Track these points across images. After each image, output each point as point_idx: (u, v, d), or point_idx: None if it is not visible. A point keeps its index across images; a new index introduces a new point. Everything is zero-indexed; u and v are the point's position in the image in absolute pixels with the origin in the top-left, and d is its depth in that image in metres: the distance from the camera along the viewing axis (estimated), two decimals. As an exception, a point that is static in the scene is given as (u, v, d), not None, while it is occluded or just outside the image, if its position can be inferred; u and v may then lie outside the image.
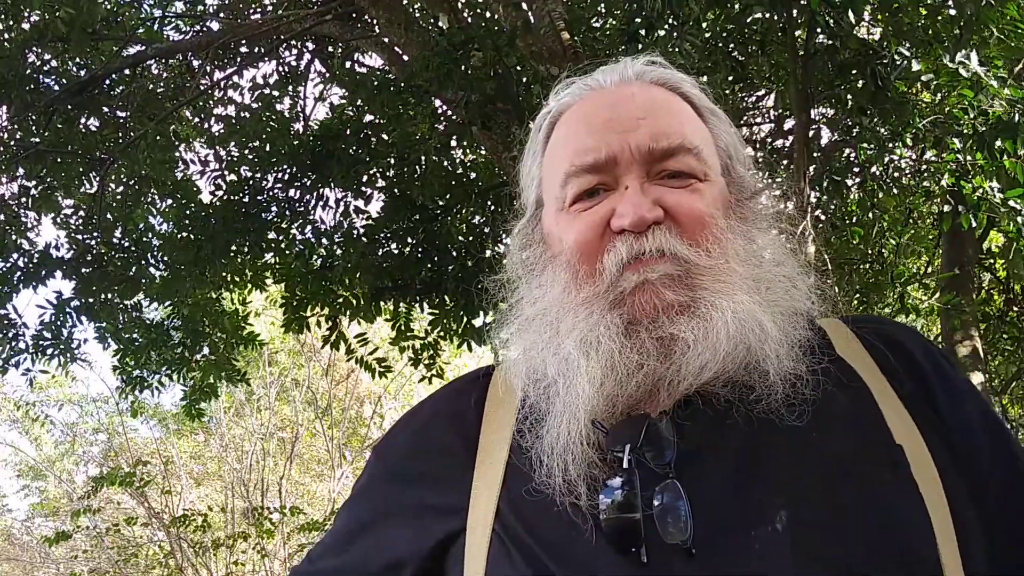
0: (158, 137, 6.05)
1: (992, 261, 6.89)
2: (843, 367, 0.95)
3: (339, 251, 6.11)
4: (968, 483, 0.89)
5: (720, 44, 4.54)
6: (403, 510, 1.00)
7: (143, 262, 6.32)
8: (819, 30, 4.03)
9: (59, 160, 6.04)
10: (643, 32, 4.05)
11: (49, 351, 6.10)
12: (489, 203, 6.19)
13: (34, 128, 6.01)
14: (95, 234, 6.29)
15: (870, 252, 5.61)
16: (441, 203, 6.03)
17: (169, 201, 6.54)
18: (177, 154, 6.57)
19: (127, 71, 6.31)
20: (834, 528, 0.82)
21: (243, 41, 6.38)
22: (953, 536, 0.84)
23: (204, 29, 6.91)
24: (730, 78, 4.58)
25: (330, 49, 6.94)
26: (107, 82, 6.23)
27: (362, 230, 6.13)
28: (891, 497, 0.85)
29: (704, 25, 4.44)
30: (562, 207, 0.99)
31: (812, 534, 0.82)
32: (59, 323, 6.08)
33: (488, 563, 0.90)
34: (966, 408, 0.95)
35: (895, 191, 5.21)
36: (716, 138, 1.03)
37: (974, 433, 0.93)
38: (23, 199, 6.28)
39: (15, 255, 6.07)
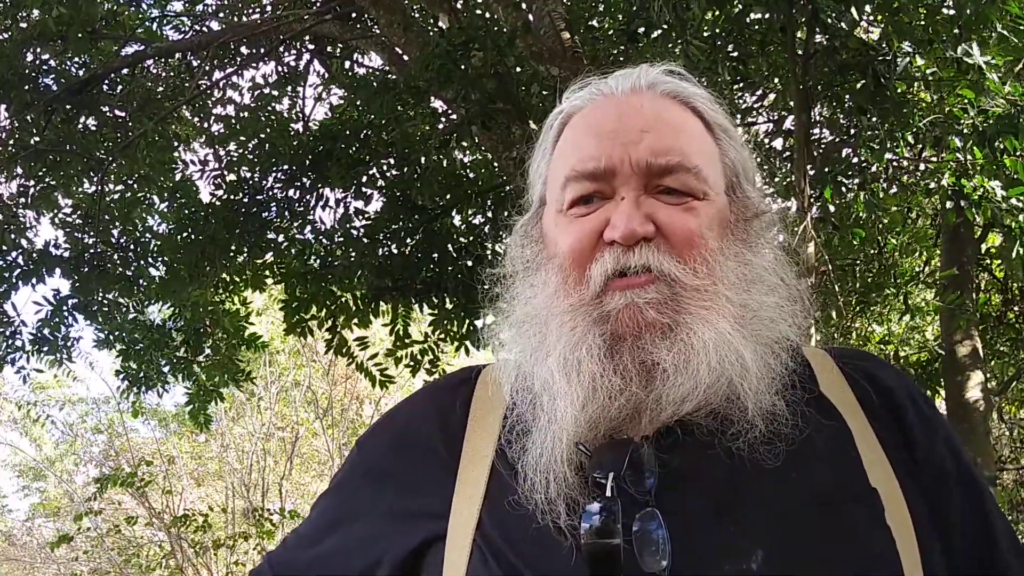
0: (157, 137, 6.05)
1: (990, 261, 6.89)
2: (824, 405, 0.96)
3: (339, 251, 6.11)
4: (939, 533, 0.91)
5: (720, 44, 4.54)
6: (380, 510, 1.00)
7: (142, 262, 6.33)
8: (819, 30, 4.03)
9: (58, 159, 6.04)
10: (643, 32, 4.06)
11: (45, 349, 6.10)
12: (489, 203, 6.19)
13: (33, 128, 6.01)
14: (93, 233, 6.29)
15: (871, 252, 5.61)
16: (441, 203, 6.03)
17: (168, 201, 6.54)
18: (176, 154, 6.57)
19: (126, 71, 6.31)
20: (806, 566, 0.84)
21: (243, 41, 6.38)
22: None
23: (203, 29, 6.92)
24: (730, 78, 4.58)
25: (329, 49, 6.94)
26: (106, 82, 6.24)
27: (362, 230, 6.13)
28: (865, 540, 0.86)
29: (704, 25, 4.44)
30: (561, 209, 0.99)
31: (784, 571, 0.83)
32: (55, 321, 6.09)
33: (468, 573, 0.90)
34: (940, 455, 0.96)
35: (895, 191, 5.21)
36: (723, 155, 1.02)
37: (948, 485, 0.95)
38: (22, 198, 6.28)
39: (14, 253, 6.07)
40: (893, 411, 0.97)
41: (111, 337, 6.32)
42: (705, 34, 4.52)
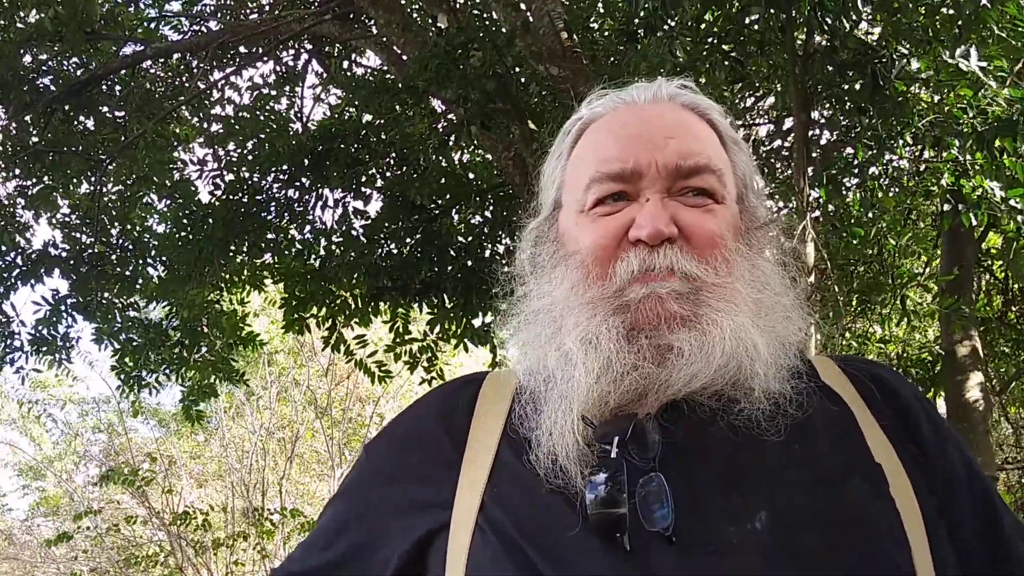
0: (156, 137, 6.04)
1: (990, 262, 6.88)
2: (828, 392, 0.99)
3: (338, 251, 6.10)
4: (945, 519, 0.91)
5: (718, 44, 4.53)
6: (387, 506, 1.01)
7: (140, 262, 6.33)
8: (818, 30, 4.02)
9: (57, 160, 6.04)
10: (641, 33, 4.05)
11: (44, 349, 6.11)
12: (488, 203, 6.19)
13: (32, 128, 6.01)
14: (91, 233, 6.29)
15: (870, 252, 5.60)
16: (440, 203, 6.03)
17: (167, 201, 6.53)
18: (175, 154, 6.57)
19: (125, 71, 6.30)
20: (811, 532, 0.85)
21: (241, 41, 6.38)
22: (929, 557, 0.86)
23: (202, 29, 6.91)
24: (729, 78, 4.58)
25: (327, 49, 6.94)
26: (105, 82, 6.23)
27: (361, 230, 6.13)
28: (869, 509, 0.87)
29: (703, 26, 4.43)
30: (582, 209, 1.02)
31: (790, 535, 0.84)
32: (54, 320, 6.09)
33: (470, 557, 0.91)
34: (948, 451, 0.98)
35: (894, 191, 5.20)
36: (735, 166, 1.06)
37: (954, 475, 0.96)
38: (20, 199, 6.28)
39: (12, 254, 6.07)
40: (897, 409, 0.99)
41: (106, 337, 6.32)
42: (705, 35, 4.52)
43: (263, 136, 6.11)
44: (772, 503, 0.86)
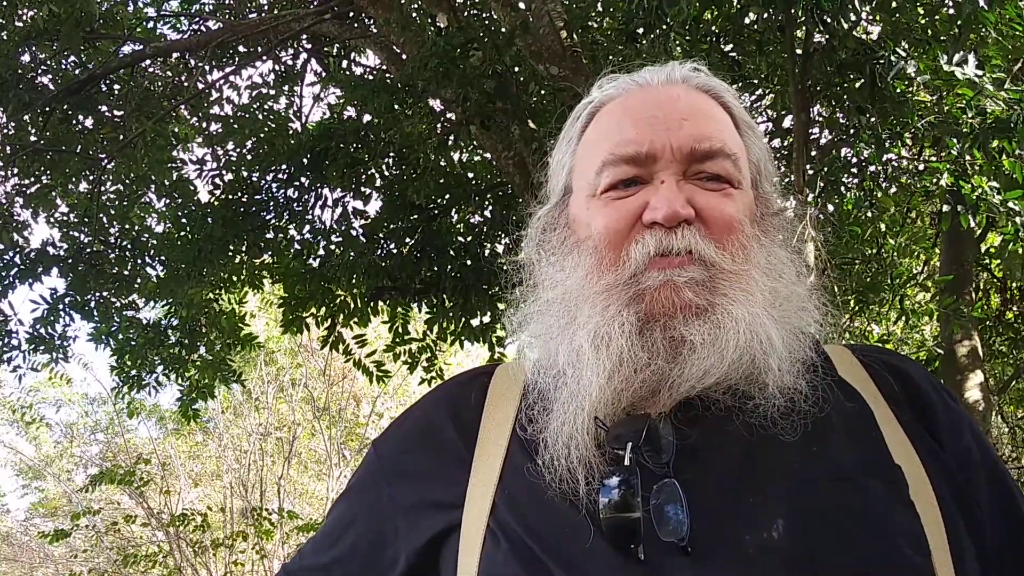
0: (156, 137, 6.04)
1: (989, 262, 6.89)
2: (846, 388, 0.96)
3: (337, 251, 6.10)
4: (964, 514, 0.90)
5: (717, 43, 4.53)
6: (397, 504, 1.00)
7: (139, 261, 6.33)
8: (818, 29, 4.02)
9: (56, 159, 6.03)
10: (641, 32, 4.05)
11: (41, 348, 6.11)
12: (488, 203, 6.19)
13: (31, 127, 6.00)
14: (89, 232, 6.28)
15: (869, 251, 5.61)
16: (439, 203, 6.02)
17: (166, 200, 6.53)
18: (174, 154, 6.57)
19: (124, 70, 6.30)
20: (829, 537, 0.83)
21: (240, 40, 6.38)
22: (949, 559, 0.85)
23: (201, 28, 6.91)
24: (728, 78, 4.57)
25: (326, 49, 6.94)
26: (105, 81, 6.23)
27: (360, 230, 6.13)
28: (888, 512, 0.85)
29: (701, 25, 4.43)
30: (594, 193, 0.99)
31: (806, 541, 0.82)
32: (52, 319, 6.09)
33: (481, 558, 0.90)
34: (966, 443, 0.96)
35: (893, 191, 5.21)
36: (749, 151, 1.03)
37: (973, 468, 0.94)
38: (19, 197, 6.28)
39: (11, 252, 6.06)
40: (915, 400, 0.97)
41: (104, 337, 6.32)
42: (704, 34, 4.52)
43: (262, 136, 6.10)
44: (789, 509, 0.84)
